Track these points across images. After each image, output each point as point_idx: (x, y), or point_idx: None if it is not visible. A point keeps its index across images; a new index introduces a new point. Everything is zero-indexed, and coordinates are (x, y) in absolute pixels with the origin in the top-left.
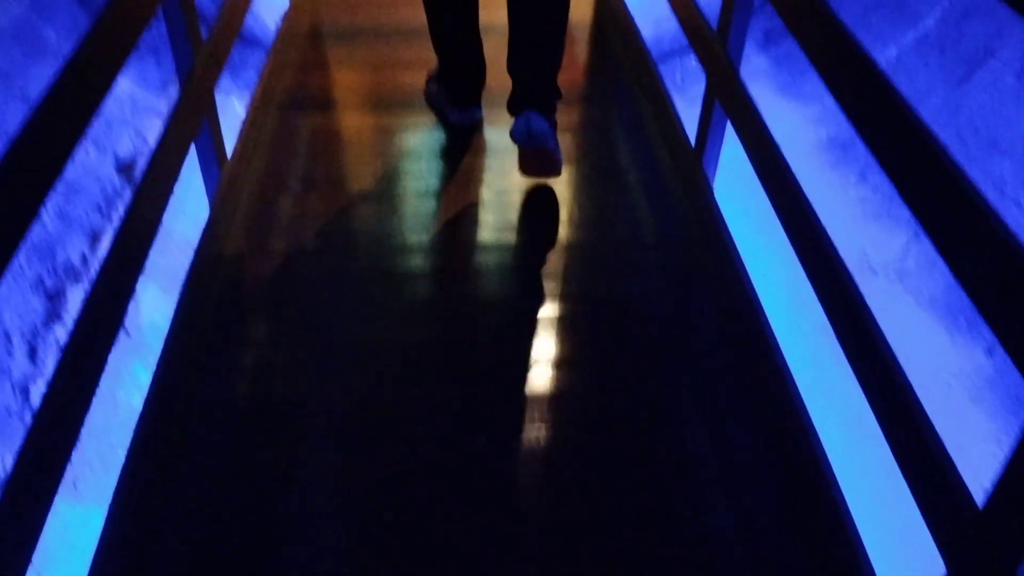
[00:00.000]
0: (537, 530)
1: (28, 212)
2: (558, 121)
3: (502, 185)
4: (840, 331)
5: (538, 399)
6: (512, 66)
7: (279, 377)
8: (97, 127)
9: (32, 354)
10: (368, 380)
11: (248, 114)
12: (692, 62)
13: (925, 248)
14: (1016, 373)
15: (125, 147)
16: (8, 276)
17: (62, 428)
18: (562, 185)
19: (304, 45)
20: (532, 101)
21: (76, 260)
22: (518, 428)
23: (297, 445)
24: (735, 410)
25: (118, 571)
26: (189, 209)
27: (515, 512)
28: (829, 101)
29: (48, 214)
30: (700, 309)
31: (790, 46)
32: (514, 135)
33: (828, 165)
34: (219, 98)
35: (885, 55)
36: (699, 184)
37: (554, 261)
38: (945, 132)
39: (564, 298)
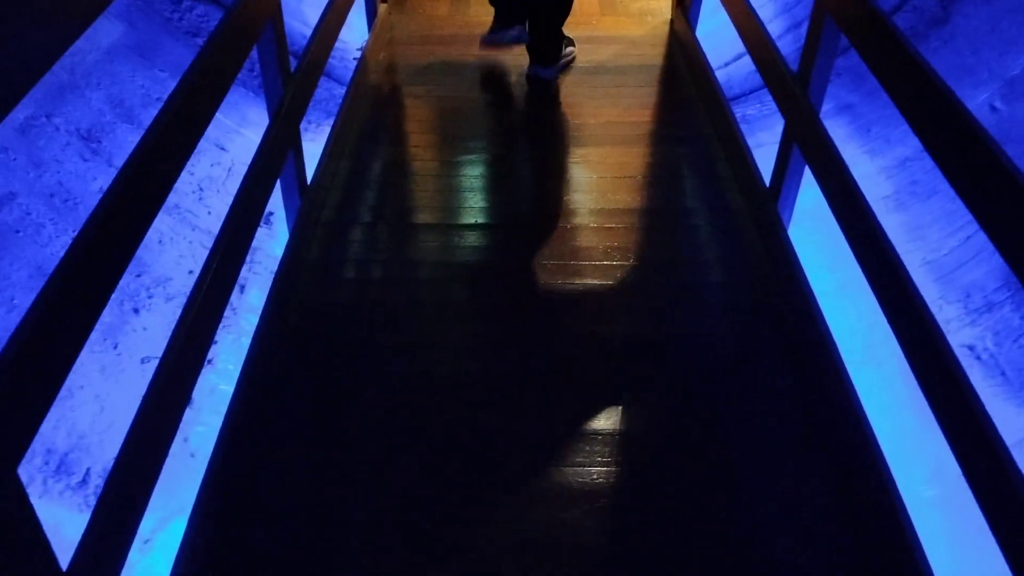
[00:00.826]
0: (597, 568)
1: (140, 232)
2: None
3: (562, 221)
4: (925, 383)
5: (601, 436)
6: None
7: (347, 405)
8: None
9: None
10: (429, 412)
11: (327, 145)
12: (763, 104)
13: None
14: None
15: (207, 172)
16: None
17: (155, 443)
18: (627, 223)
19: (380, 79)
20: (538, 60)
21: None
22: (581, 464)
23: (368, 472)
24: (804, 455)
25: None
26: (273, 233)
27: (575, 548)
28: (901, 149)
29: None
30: (771, 351)
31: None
32: (527, 78)
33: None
34: (302, 127)
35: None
36: (773, 226)
37: (620, 298)
38: None
39: (631, 336)
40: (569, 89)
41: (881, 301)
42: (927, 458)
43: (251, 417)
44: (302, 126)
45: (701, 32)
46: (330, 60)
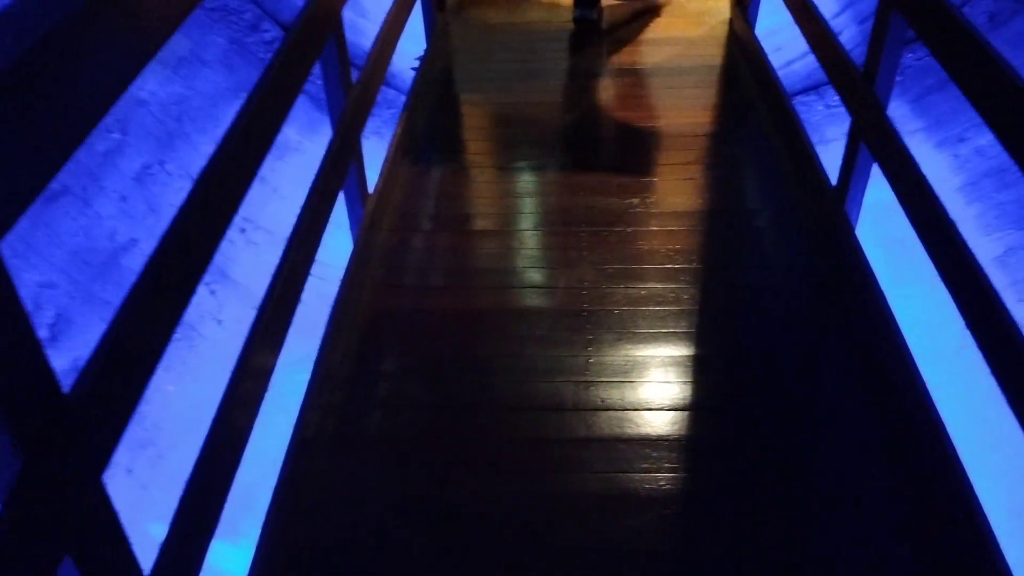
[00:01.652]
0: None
1: (219, 233)
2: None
3: (622, 223)
4: (1006, 384)
5: (668, 442)
6: None
7: (404, 410)
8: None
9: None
10: (489, 415)
11: (388, 154)
12: (827, 101)
13: None
14: None
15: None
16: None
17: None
18: (690, 225)
19: (439, 88)
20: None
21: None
22: (644, 471)
23: (439, 470)
24: (879, 466)
25: None
26: (336, 242)
27: (650, 553)
28: (965, 147)
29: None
30: (842, 358)
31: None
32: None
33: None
34: (363, 136)
35: None
36: (840, 225)
37: (683, 303)
38: None
39: (695, 343)
40: (628, 91)
41: (957, 300)
42: (1012, 469)
43: (319, 423)
44: (363, 133)
45: (760, 31)
46: (390, 68)
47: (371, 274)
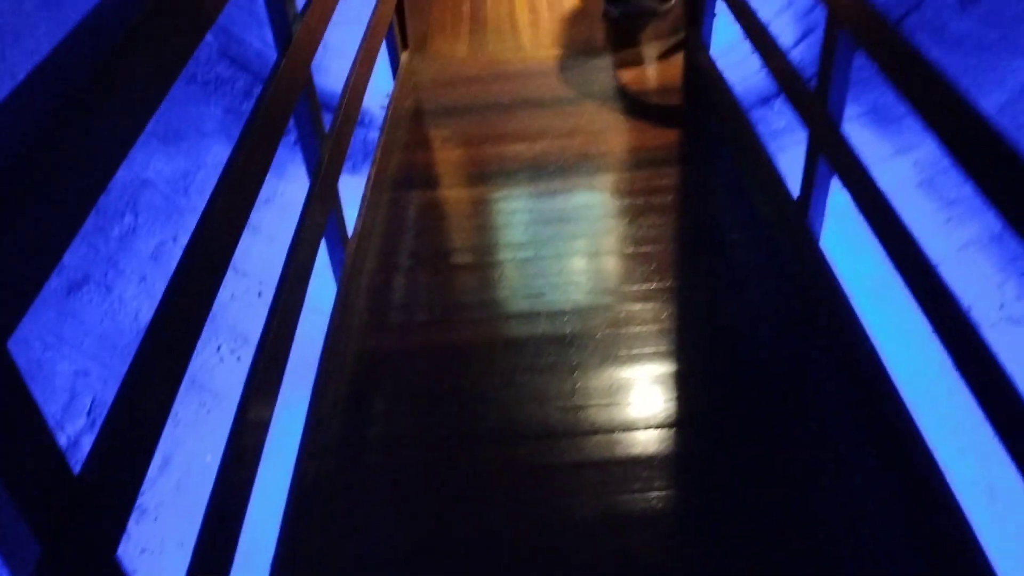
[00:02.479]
0: None
1: (215, 284)
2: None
3: (598, 248)
4: (971, 380)
5: (657, 461)
6: None
7: (400, 448)
8: None
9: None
10: (483, 446)
11: (365, 194)
12: (780, 109)
13: None
14: None
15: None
16: None
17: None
18: (663, 247)
19: (409, 124)
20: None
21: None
22: (638, 491)
23: (422, 518)
24: (863, 464)
25: None
26: (319, 286)
27: (651, 572)
28: (923, 152)
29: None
30: (817, 365)
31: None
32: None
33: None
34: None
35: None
36: (806, 237)
37: (660, 323)
38: None
39: (677, 361)
40: (591, 117)
41: (920, 304)
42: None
43: (316, 469)
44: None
45: (715, 49)
46: (362, 108)
47: (357, 316)
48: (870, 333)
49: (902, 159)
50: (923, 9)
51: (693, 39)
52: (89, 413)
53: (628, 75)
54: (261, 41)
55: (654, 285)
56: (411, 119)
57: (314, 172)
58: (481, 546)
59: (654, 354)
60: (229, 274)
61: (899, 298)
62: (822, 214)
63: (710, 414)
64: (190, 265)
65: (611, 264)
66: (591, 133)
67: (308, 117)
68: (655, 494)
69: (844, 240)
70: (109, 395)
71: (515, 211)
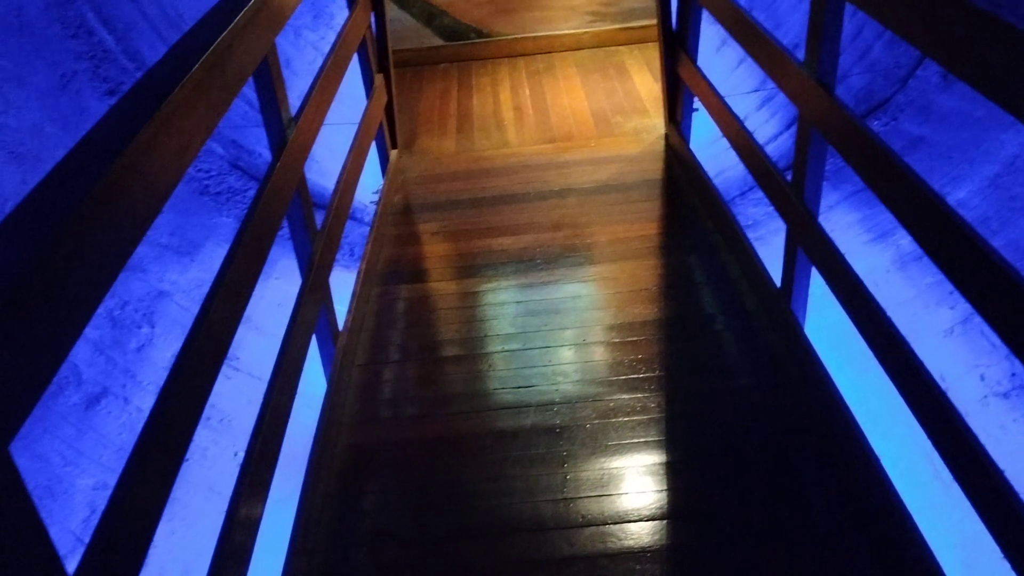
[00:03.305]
0: None
1: (209, 383)
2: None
3: (585, 338)
4: (952, 464)
5: (648, 555)
6: None
7: (390, 545)
8: None
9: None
10: (473, 541)
11: (355, 288)
12: (758, 201)
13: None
14: None
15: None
16: None
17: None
18: (649, 335)
19: (398, 219)
20: None
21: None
22: None
23: None
24: (853, 554)
25: None
26: (310, 379)
27: None
28: (989, 167)
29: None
30: (805, 453)
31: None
32: None
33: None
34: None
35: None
36: (789, 324)
37: (649, 413)
38: None
39: (666, 451)
40: (576, 210)
41: (900, 389)
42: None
43: (306, 568)
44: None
45: (695, 143)
46: (352, 204)
47: (347, 410)
48: (857, 419)
49: (882, 243)
50: (908, 89)
51: (673, 132)
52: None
53: (610, 169)
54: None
55: (642, 375)
56: (400, 214)
57: (306, 267)
58: None
59: (644, 444)
60: (245, 376)
61: (882, 383)
62: (805, 302)
63: (700, 505)
64: (184, 364)
65: (599, 354)
66: (576, 226)
67: (301, 215)
68: None
69: (828, 327)
70: None
71: (503, 303)
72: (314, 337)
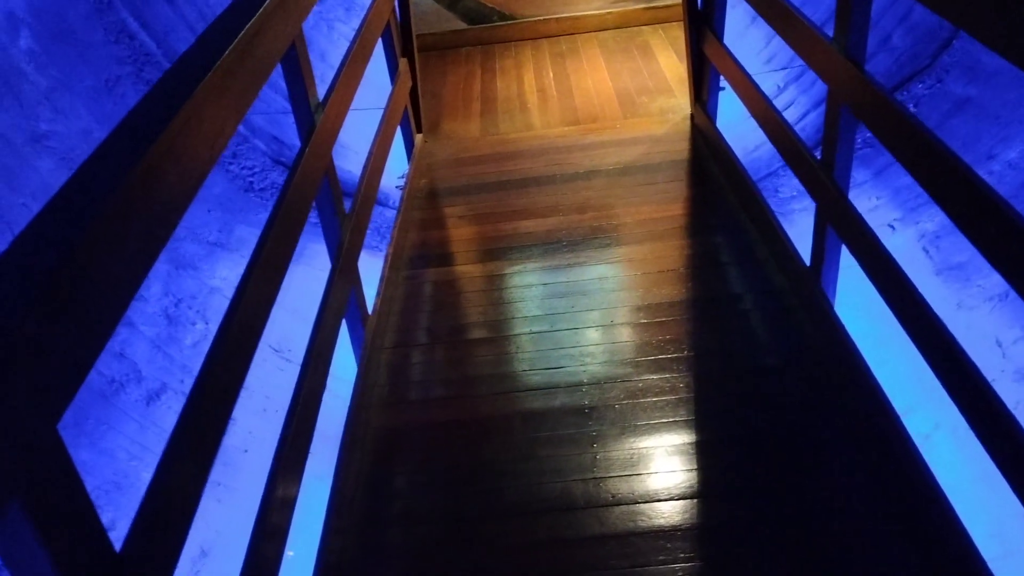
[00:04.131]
0: None
1: (245, 364)
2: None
3: (612, 320)
4: (988, 443)
5: (680, 533)
6: None
7: (422, 525)
8: None
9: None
10: (505, 521)
11: (383, 272)
12: (787, 179)
13: None
14: None
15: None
16: None
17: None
18: (676, 316)
19: (424, 203)
20: None
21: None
22: (662, 563)
23: None
24: (885, 531)
25: None
26: (341, 361)
27: None
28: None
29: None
30: (835, 430)
31: (871, 170)
32: None
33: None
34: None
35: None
36: (819, 303)
37: (677, 393)
38: None
39: (696, 430)
40: (602, 191)
41: (932, 366)
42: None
43: (341, 547)
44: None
45: (721, 123)
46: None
47: (377, 393)
48: (889, 399)
49: (912, 220)
50: (953, 50)
51: (699, 112)
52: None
53: (636, 150)
54: None
55: (670, 355)
56: (426, 198)
57: (335, 252)
58: None
59: (673, 423)
60: (296, 367)
61: (915, 362)
62: (835, 280)
63: (730, 485)
64: (219, 348)
65: (626, 335)
66: (602, 208)
67: (330, 199)
68: (679, 566)
69: (859, 305)
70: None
71: (529, 285)
72: (344, 321)
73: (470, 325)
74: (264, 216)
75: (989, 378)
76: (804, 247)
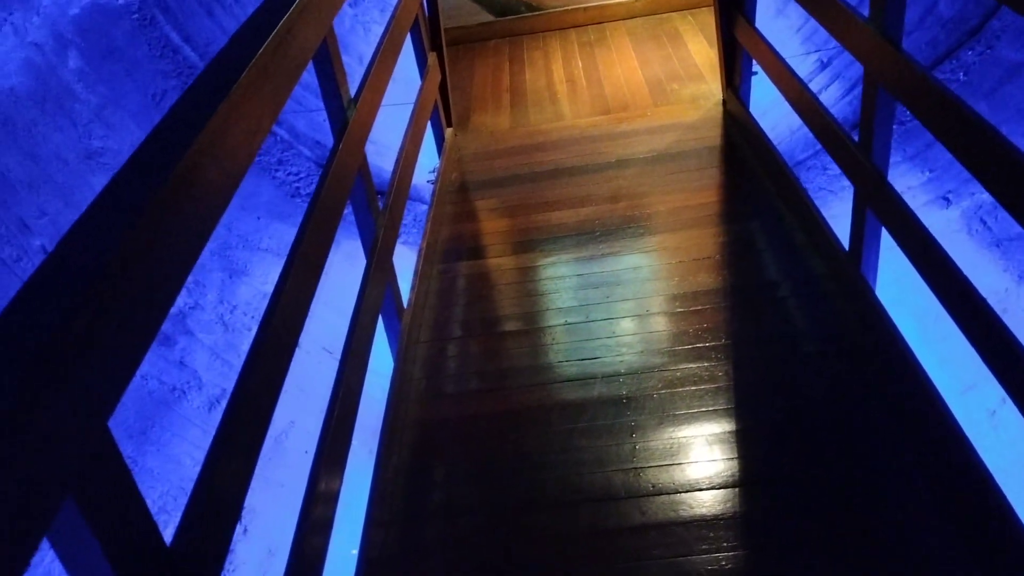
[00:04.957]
0: None
1: (287, 359)
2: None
3: (647, 309)
4: None
5: (722, 522)
6: None
7: (461, 517)
8: None
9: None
10: (545, 511)
11: (417, 266)
12: (823, 163)
13: None
14: None
15: None
16: None
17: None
18: (713, 304)
19: (456, 197)
20: None
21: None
22: (705, 552)
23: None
24: (928, 520)
25: None
26: (378, 355)
27: None
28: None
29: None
30: (877, 417)
31: (922, 142)
32: None
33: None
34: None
35: None
36: (859, 288)
37: (715, 382)
38: None
39: (735, 419)
40: (636, 180)
41: (977, 348)
42: None
43: (383, 540)
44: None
45: (755, 108)
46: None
47: (414, 386)
48: (934, 384)
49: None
50: (1004, 12)
51: (731, 97)
52: (240, 521)
53: (668, 137)
54: None
55: (707, 343)
56: (457, 192)
57: (370, 248)
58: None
59: (712, 412)
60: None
61: (960, 346)
62: (875, 265)
63: (772, 473)
64: (259, 346)
65: (662, 324)
66: (634, 197)
67: (364, 196)
68: (723, 555)
69: (900, 288)
70: (254, 499)
71: (563, 276)
72: (380, 316)
73: (504, 317)
74: None
75: None
76: (843, 231)
